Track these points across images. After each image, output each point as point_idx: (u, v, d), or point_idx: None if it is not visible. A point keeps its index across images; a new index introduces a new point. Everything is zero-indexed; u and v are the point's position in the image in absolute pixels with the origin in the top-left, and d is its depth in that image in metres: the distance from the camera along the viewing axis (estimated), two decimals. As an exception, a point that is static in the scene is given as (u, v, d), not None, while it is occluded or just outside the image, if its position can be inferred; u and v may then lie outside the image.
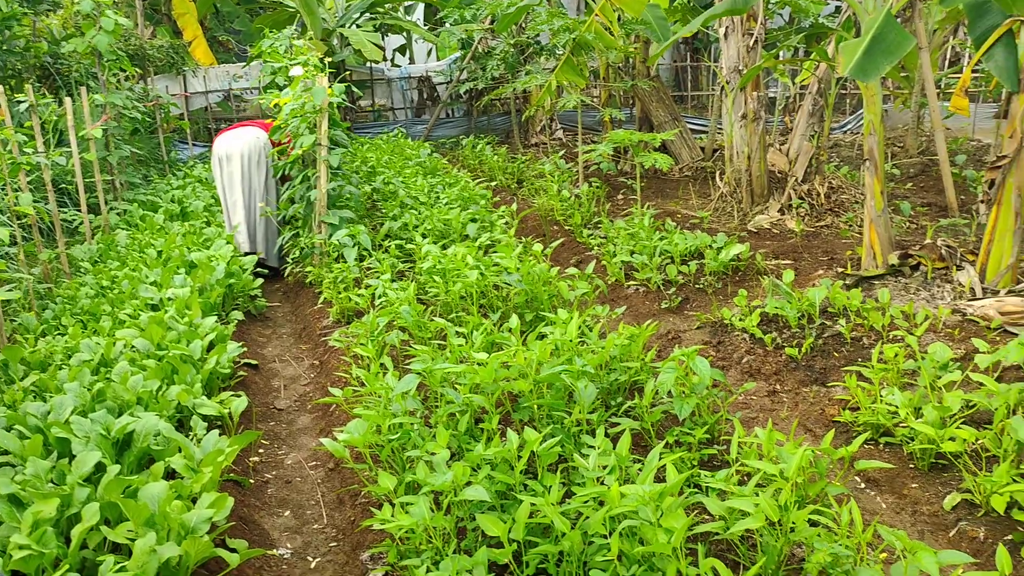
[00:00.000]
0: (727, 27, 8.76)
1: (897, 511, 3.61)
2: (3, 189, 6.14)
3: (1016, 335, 4.85)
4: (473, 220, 7.42)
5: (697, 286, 6.46)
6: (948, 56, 14.40)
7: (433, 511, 2.91)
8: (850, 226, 7.84)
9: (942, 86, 13.32)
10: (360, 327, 5.09)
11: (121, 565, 2.65)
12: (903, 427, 3.89)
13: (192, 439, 3.87)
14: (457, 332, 4.53)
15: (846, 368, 4.63)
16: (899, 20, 8.39)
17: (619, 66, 11.76)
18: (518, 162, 11.86)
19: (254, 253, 7.73)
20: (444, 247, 6.73)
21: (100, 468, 3.33)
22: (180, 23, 15.64)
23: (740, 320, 5.48)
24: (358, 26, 15.67)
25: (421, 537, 2.95)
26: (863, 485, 3.83)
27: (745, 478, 3.38)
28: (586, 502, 2.77)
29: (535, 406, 3.66)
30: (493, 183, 11.19)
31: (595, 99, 14.81)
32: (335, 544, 3.69)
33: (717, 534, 2.84)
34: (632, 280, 6.63)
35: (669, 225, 7.42)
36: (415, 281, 5.91)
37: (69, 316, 5.80)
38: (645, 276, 6.50)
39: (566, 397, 3.80)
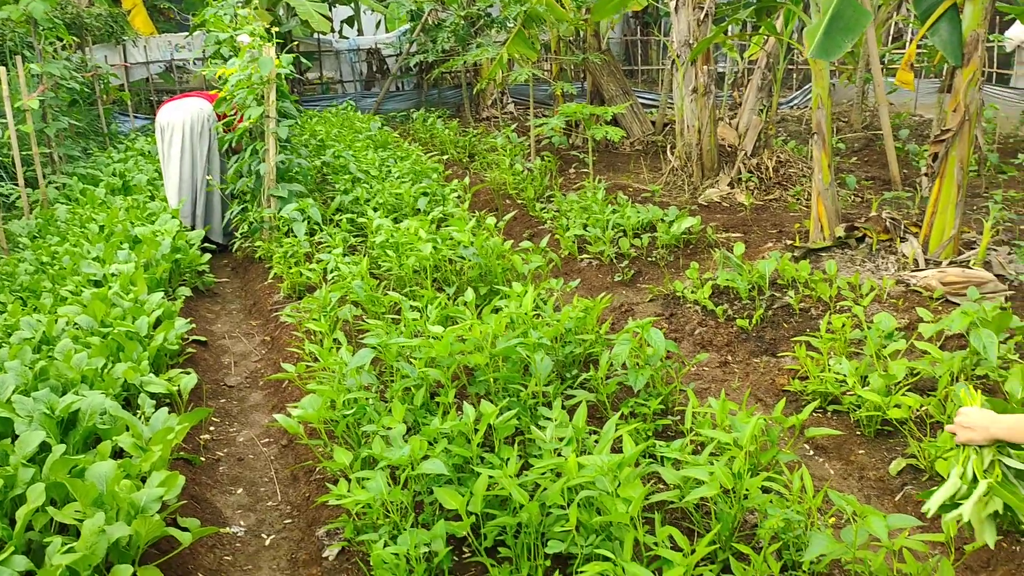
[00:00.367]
0: (677, 1, 8.77)
1: (845, 476, 3.70)
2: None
3: (958, 304, 4.99)
4: (425, 194, 7.36)
5: (649, 259, 6.50)
6: (891, 32, 14.65)
7: (390, 486, 2.90)
8: (798, 199, 7.96)
9: (885, 62, 13.53)
10: (312, 302, 5.02)
11: (69, 546, 2.59)
12: (850, 395, 3.98)
13: (140, 417, 3.78)
14: (411, 306, 4.49)
15: (795, 338, 4.72)
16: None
17: (570, 40, 11.72)
18: (469, 136, 11.77)
19: (190, 228, 7.55)
20: (396, 221, 6.66)
21: (45, 448, 3.23)
22: (118, -10, 15.13)
23: (692, 292, 5.54)
24: (305, -4, 15.33)
25: (378, 512, 2.94)
26: (812, 452, 3.92)
27: (699, 447, 3.42)
28: (544, 474, 2.78)
29: (491, 379, 3.66)
30: (445, 157, 11.10)
31: (546, 73, 14.75)
32: (290, 521, 3.65)
33: (673, 503, 2.88)
34: (585, 253, 6.65)
35: (621, 199, 7.45)
36: (368, 255, 5.85)
37: (8, 293, 5.62)
38: (598, 249, 6.52)
39: (522, 370, 3.81)
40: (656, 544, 2.44)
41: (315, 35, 16.04)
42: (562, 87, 10.88)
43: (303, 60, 12.53)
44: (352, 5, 18.67)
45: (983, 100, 5.48)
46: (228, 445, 4.37)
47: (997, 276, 5.42)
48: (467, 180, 8.19)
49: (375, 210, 7.00)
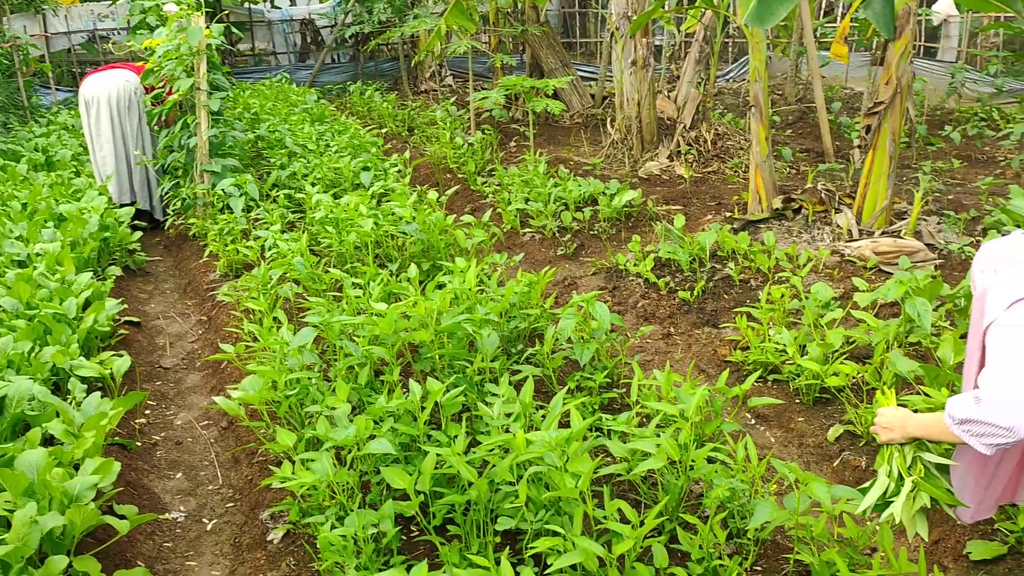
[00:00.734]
0: (616, -28, 8.73)
1: (785, 444, 3.78)
2: None
3: (891, 274, 5.12)
4: (365, 168, 7.23)
5: (592, 232, 6.52)
6: (823, 5, 14.89)
7: (336, 467, 2.85)
8: (736, 172, 8.05)
9: (817, 35, 13.76)
10: (250, 280, 4.90)
11: (0, 538, 2.49)
12: (790, 364, 4.06)
13: (71, 403, 3.65)
14: (353, 283, 4.42)
15: (736, 309, 4.78)
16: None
17: (508, 11, 11.60)
18: (408, 109, 11.61)
19: (129, 204, 7.30)
20: (336, 196, 6.53)
21: (-31, 438, 3.10)
22: (36, -44, 14.43)
23: (634, 265, 5.57)
24: (234, -36, 14.87)
25: (324, 493, 2.89)
26: (753, 421, 3.99)
27: (645, 420, 3.45)
28: (492, 450, 2.76)
29: (437, 356, 3.62)
30: (384, 131, 10.93)
31: (485, 45, 14.61)
32: (232, 505, 3.58)
33: (620, 475, 2.89)
34: (528, 227, 6.63)
35: (562, 172, 7.44)
36: (307, 232, 5.73)
37: (-76, 275, 5.34)
38: (540, 223, 6.51)
39: (467, 346, 3.78)
40: (605, 518, 2.45)
41: (246, 5, 15.58)
42: (501, 59, 10.79)
43: (234, 30, 12.18)
44: (284, -26, 18.20)
45: (914, 73, 5.59)
46: (165, 429, 4.26)
47: (927, 245, 5.57)
48: (407, 154, 8.08)
49: (313, 185, 6.85)
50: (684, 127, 8.70)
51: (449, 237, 5.34)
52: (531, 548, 2.36)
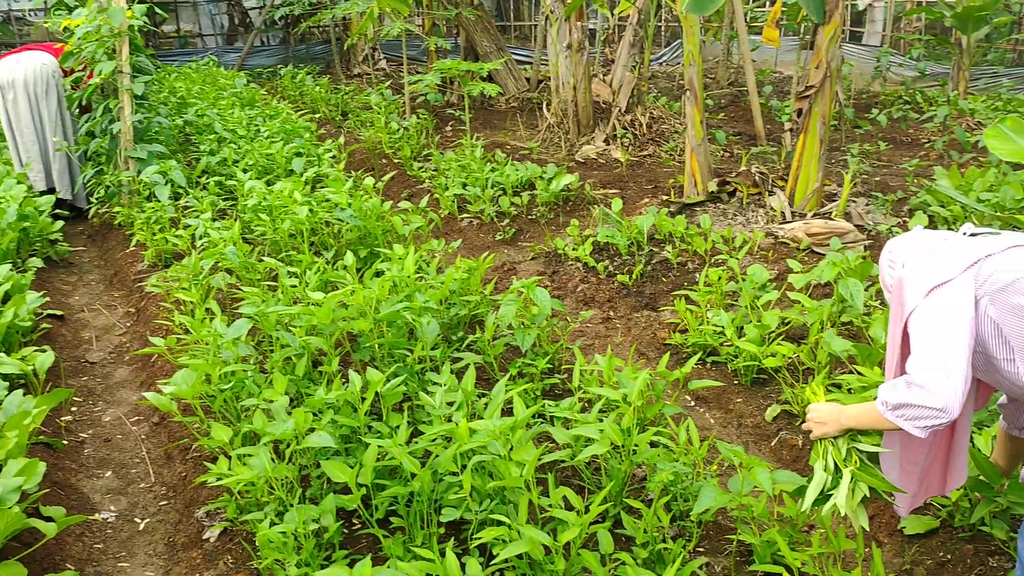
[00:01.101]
0: (551, -45, 8.70)
1: (724, 425, 3.83)
2: None
3: (823, 255, 5.23)
4: (298, 154, 7.07)
5: (530, 217, 6.50)
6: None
7: (274, 461, 2.78)
8: (671, 155, 8.13)
9: (747, 20, 13.97)
10: (181, 270, 4.74)
11: (-85, 549, 2.36)
12: (728, 346, 4.11)
13: (-8, 402, 3.48)
14: (289, 272, 4.31)
15: (674, 292, 4.82)
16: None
17: (442, -7, 11.48)
18: (342, 93, 11.41)
19: (51, 192, 7.00)
20: (269, 183, 6.37)
21: None
22: (-59, -68, 13.72)
23: (573, 249, 5.58)
24: (156, -58, 14.35)
25: (262, 489, 2.81)
26: (693, 403, 4.03)
27: (587, 405, 3.45)
28: (435, 440, 2.73)
29: (376, 345, 3.56)
30: (317, 115, 10.72)
31: (419, 28, 14.44)
32: (165, 503, 3.46)
33: (564, 462, 2.89)
34: (466, 213, 6.58)
35: (499, 156, 7.40)
36: (239, 220, 5.57)
37: None
38: (478, 208, 6.47)
39: (407, 334, 3.72)
40: (551, 506, 2.44)
41: (170, -15, 15.07)
42: (436, 43, 10.67)
43: (158, 11, 11.74)
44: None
45: (842, 57, 5.71)
46: (93, 426, 4.10)
47: (856, 226, 5.71)
48: (341, 139, 7.94)
49: (245, 172, 6.67)
50: (620, 111, 8.75)
51: (386, 224, 5.26)
52: (476, 539, 2.34)
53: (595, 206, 6.44)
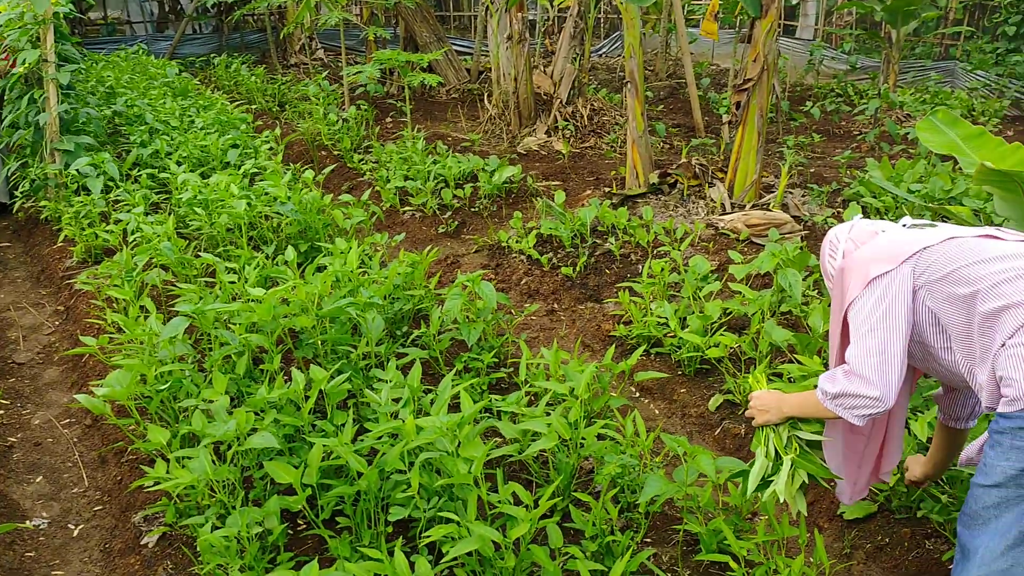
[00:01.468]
0: (490, -55, 8.65)
1: (669, 415, 3.87)
2: None
3: (762, 246, 5.31)
4: (234, 146, 6.90)
5: (473, 209, 6.47)
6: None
7: (215, 463, 2.70)
8: (613, 147, 8.17)
9: (685, 12, 14.12)
10: (112, 267, 4.58)
11: None
12: (671, 337, 4.15)
13: (-89, 408, 3.32)
14: (227, 268, 4.20)
15: (618, 284, 4.85)
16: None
17: (381, -18, 11.33)
18: (278, 83, 11.19)
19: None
20: (204, 176, 6.20)
21: None
22: None
23: (517, 242, 5.57)
24: (81, -74, 13.85)
25: (203, 492, 2.74)
26: (638, 394, 4.06)
27: (534, 398, 3.45)
28: (381, 438, 2.69)
29: (319, 342, 3.49)
30: (253, 106, 10.49)
31: (357, 17, 14.24)
32: (100, 508, 3.35)
33: (512, 456, 2.88)
34: (408, 206, 6.52)
35: (441, 148, 7.34)
36: (173, 214, 5.42)
37: None
38: (420, 201, 6.41)
39: (351, 330, 3.67)
40: (500, 502, 2.42)
41: (96, -30, 14.57)
42: (374, 33, 10.53)
43: (84, -3, 11.37)
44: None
45: (778, 50, 5.80)
46: (22, 429, 3.95)
47: (794, 217, 5.82)
48: (279, 131, 7.77)
49: (179, 164, 6.48)
50: (561, 102, 8.76)
51: (327, 217, 5.17)
52: (425, 537, 2.31)
53: (538, 198, 6.43)
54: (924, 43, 13.38)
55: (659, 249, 5.18)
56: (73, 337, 4.57)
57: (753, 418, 2.40)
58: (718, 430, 3.65)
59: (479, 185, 6.55)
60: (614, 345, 4.06)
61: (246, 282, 3.93)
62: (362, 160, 7.57)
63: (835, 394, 2.10)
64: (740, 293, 4.15)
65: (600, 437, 3.03)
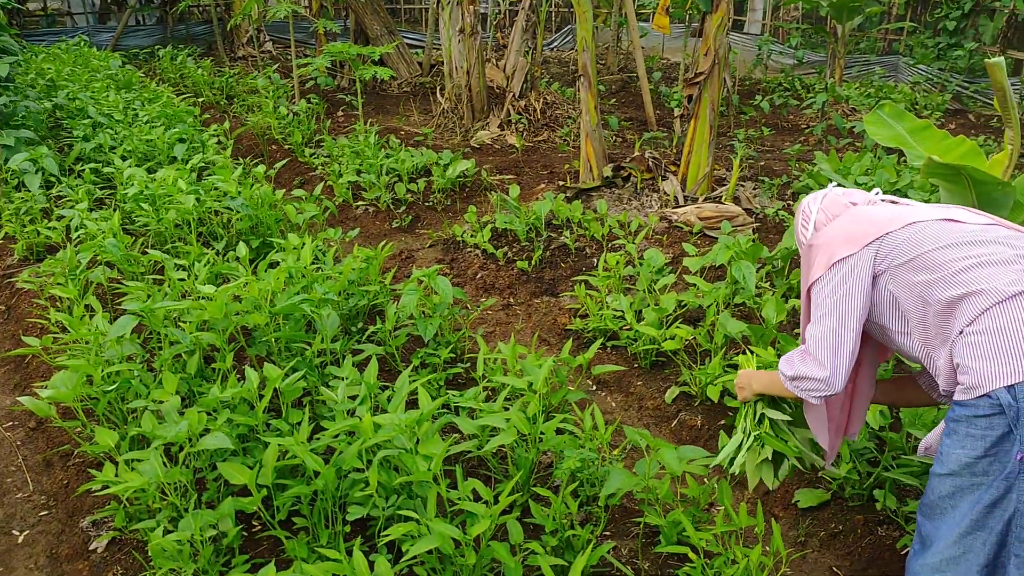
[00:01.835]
0: (441, -63, 8.58)
1: (626, 408, 3.88)
2: None
3: (715, 238, 5.37)
4: (181, 140, 6.75)
5: (427, 204, 6.42)
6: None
7: (167, 465, 2.63)
8: (566, 140, 8.18)
9: (636, 6, 14.19)
10: (55, 265, 4.44)
11: None
12: (628, 330, 4.17)
13: None
14: (176, 265, 4.11)
15: (574, 278, 4.86)
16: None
17: (330, -26, 11.18)
18: (226, 76, 10.97)
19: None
20: (150, 171, 6.06)
21: None
22: None
23: (472, 236, 5.54)
24: (17, -88, 13.40)
25: (154, 495, 2.67)
26: (595, 387, 4.07)
27: (492, 393, 3.43)
28: (338, 436, 2.64)
29: (273, 340, 3.43)
30: (200, 100, 10.27)
31: (306, 9, 14.04)
32: (46, 513, 3.25)
33: (471, 453, 2.86)
34: (361, 200, 6.44)
35: (394, 142, 7.28)
36: (119, 210, 5.27)
37: None
38: (374, 195, 6.34)
39: (306, 327, 3.61)
40: (460, 499, 2.40)
41: (34, -41, 14.12)
42: (324, 25, 10.38)
43: (21, -13, 11.01)
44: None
45: (729, 44, 5.85)
46: (-38, 434, 3.81)
47: (745, 210, 5.89)
48: (227, 124, 7.62)
49: (124, 159, 6.32)
50: (513, 96, 8.74)
51: (279, 212, 5.08)
52: (384, 536, 2.28)
53: (492, 192, 6.41)
54: (868, 38, 13.65)
55: (614, 242, 5.20)
56: (15, 337, 4.43)
57: (737, 395, 2.52)
58: (674, 422, 3.67)
59: (433, 179, 6.50)
60: (571, 339, 4.07)
61: (196, 279, 3.84)
62: (314, 154, 7.47)
63: (791, 376, 2.17)
64: (695, 286, 4.18)
65: (559, 431, 3.03)
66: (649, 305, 4.19)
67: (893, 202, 2.23)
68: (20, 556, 3.02)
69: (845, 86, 10.13)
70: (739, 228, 5.55)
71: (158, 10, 15.56)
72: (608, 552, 2.62)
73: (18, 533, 3.14)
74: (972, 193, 3.14)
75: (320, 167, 7.15)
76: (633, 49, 9.76)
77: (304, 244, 3.96)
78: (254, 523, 2.90)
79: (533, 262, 5.17)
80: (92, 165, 6.12)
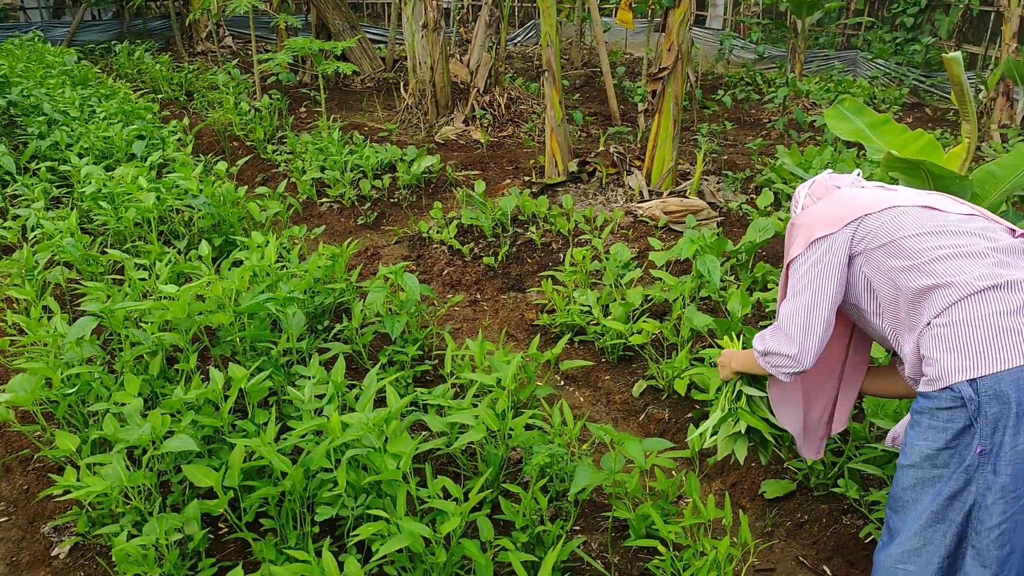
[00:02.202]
0: (404, -69, 8.52)
1: (594, 403, 3.90)
2: None
3: (680, 232, 5.40)
4: (140, 137, 6.62)
5: (392, 200, 6.38)
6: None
7: (130, 469, 2.59)
8: (531, 136, 8.18)
9: (599, 1, 14.22)
10: (11, 265, 4.34)
11: None
12: (595, 325, 4.18)
13: None
14: (137, 264, 4.04)
15: (540, 273, 4.86)
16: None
17: (291, -32, 11.05)
18: (185, 72, 10.80)
19: None
20: (109, 168, 5.94)
21: None
22: None
23: (438, 232, 5.52)
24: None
25: (117, 499, 2.62)
26: (563, 382, 4.08)
27: (460, 390, 3.42)
28: (305, 436, 2.62)
29: (237, 339, 3.39)
30: (159, 96, 10.11)
31: (266, 4, 13.86)
32: (6, 519, 3.18)
33: (440, 450, 2.85)
34: (325, 197, 6.39)
35: (358, 138, 7.22)
36: (76, 208, 5.17)
37: None
38: (338, 192, 6.29)
39: (271, 326, 3.57)
40: (430, 497, 2.39)
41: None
42: (285, 20, 10.26)
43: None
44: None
45: (692, 39, 5.89)
46: (-84, 440, 3.71)
47: (709, 204, 5.94)
48: (187, 121, 7.50)
49: (81, 156, 6.19)
50: (478, 91, 8.72)
51: (242, 210, 5.02)
52: (354, 535, 2.26)
53: (458, 188, 6.39)
54: (827, 33, 13.83)
55: (580, 237, 5.21)
56: (-30, 341, 4.32)
57: (719, 373, 2.59)
58: (642, 416, 3.69)
59: (398, 175, 6.47)
60: (538, 334, 4.06)
61: (157, 279, 3.78)
62: (276, 151, 7.39)
63: (762, 352, 2.21)
64: (661, 280, 4.21)
65: (528, 427, 3.04)
66: (616, 300, 4.21)
67: (880, 187, 2.25)
68: (-21, 564, 2.95)
69: (805, 80, 10.25)
70: (704, 222, 5.60)
71: (114, 5, 15.27)
72: (578, 547, 2.63)
73: (-24, 541, 3.07)
74: (931, 187, 3.19)
75: (283, 164, 7.08)
76: (597, 44, 9.78)
77: (268, 242, 3.91)
78: (221, 525, 2.86)
79: (499, 258, 5.16)
80: (48, 163, 5.99)
